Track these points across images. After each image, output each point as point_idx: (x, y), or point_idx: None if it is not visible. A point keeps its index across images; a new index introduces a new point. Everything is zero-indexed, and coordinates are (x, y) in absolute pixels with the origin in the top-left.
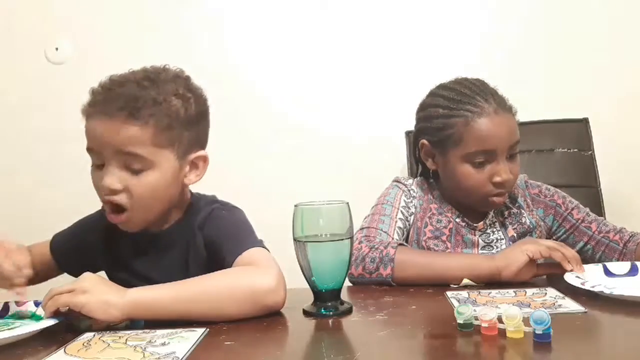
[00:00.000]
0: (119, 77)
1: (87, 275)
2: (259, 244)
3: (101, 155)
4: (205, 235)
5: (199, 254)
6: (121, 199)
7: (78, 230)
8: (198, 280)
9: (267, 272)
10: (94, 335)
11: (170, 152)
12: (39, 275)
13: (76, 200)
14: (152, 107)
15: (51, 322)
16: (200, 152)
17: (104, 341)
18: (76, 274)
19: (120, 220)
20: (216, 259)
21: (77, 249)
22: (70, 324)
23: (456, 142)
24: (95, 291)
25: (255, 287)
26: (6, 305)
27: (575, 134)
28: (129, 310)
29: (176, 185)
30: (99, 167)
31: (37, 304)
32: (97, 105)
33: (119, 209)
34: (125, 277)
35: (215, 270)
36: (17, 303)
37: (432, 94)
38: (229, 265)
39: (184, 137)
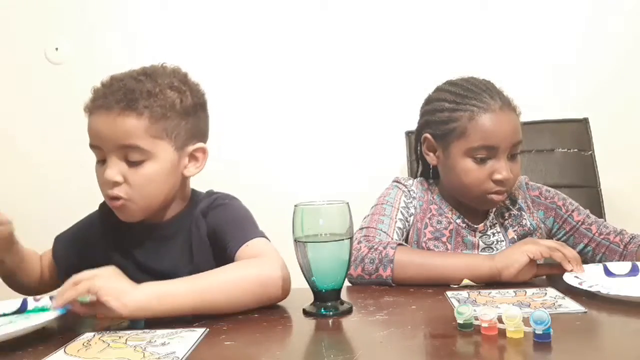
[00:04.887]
0: (118, 74)
1: (106, 267)
2: (262, 234)
3: (102, 151)
4: (208, 223)
5: (203, 242)
6: (121, 191)
7: (78, 234)
8: (209, 273)
9: (273, 263)
10: (94, 335)
11: (167, 143)
12: (49, 283)
13: (77, 199)
14: (148, 99)
15: (54, 314)
16: (199, 144)
17: (104, 341)
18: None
19: (119, 205)
20: (219, 246)
21: (78, 254)
22: (76, 317)
23: (460, 135)
24: (113, 279)
25: (263, 278)
26: (25, 301)
27: (575, 134)
28: (143, 302)
29: (175, 177)
30: (101, 163)
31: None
32: (98, 100)
33: (117, 197)
34: (128, 269)
35: (219, 257)
36: (35, 298)
37: (438, 89)
38: (232, 253)
39: (181, 127)
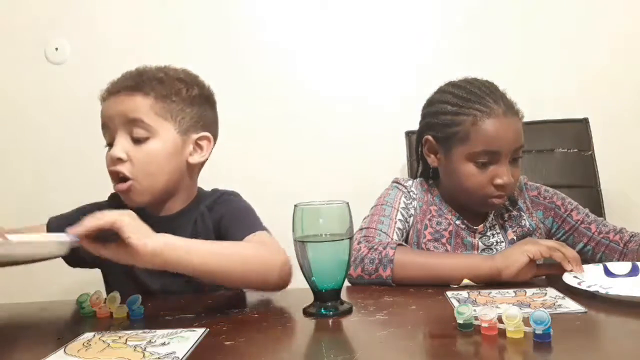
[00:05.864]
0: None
1: (127, 210)
2: (266, 228)
3: (111, 131)
4: (214, 216)
5: (209, 235)
6: (124, 168)
7: (81, 213)
8: (220, 242)
9: (279, 252)
10: (94, 335)
11: (171, 125)
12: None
13: (77, 198)
14: (154, 82)
15: (62, 236)
16: (204, 133)
17: (104, 341)
18: (72, 261)
19: (125, 188)
20: (223, 238)
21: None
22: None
23: (462, 140)
24: (137, 220)
25: (269, 262)
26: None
27: (575, 134)
28: (160, 247)
29: (179, 161)
30: (110, 147)
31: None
32: (111, 86)
33: (124, 179)
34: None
35: None
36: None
37: (441, 91)
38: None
39: (186, 113)
